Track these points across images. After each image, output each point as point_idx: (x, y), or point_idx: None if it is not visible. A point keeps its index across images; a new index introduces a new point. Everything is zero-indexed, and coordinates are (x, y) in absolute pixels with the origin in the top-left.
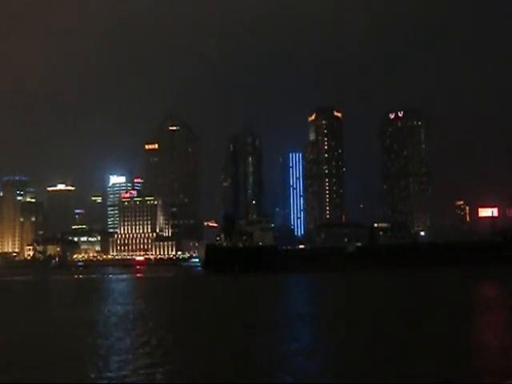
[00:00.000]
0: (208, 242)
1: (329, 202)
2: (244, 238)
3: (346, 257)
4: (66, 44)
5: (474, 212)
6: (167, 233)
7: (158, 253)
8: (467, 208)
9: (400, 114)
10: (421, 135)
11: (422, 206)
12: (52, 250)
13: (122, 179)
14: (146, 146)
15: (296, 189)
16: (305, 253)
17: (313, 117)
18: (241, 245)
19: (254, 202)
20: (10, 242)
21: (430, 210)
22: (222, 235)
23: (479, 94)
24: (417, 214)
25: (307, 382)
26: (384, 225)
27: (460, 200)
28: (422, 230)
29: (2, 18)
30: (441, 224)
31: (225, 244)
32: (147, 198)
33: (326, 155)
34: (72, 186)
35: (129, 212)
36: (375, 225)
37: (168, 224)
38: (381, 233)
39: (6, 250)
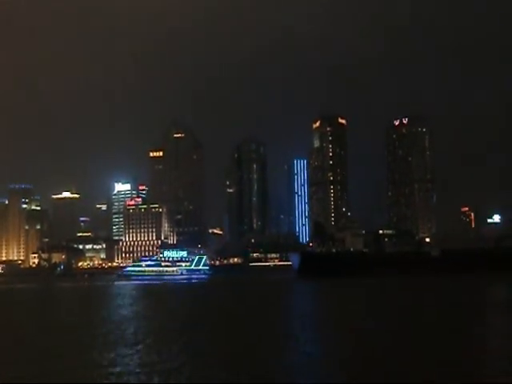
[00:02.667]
0: (303, 250)
1: (333, 208)
2: (335, 243)
3: (431, 261)
4: (71, 55)
5: (480, 218)
6: (172, 240)
7: None
8: (472, 214)
9: (405, 121)
10: (425, 142)
11: (426, 213)
12: (57, 257)
13: (127, 187)
14: (151, 154)
15: (301, 195)
16: (392, 257)
17: (317, 124)
18: (334, 250)
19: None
20: (16, 250)
21: (434, 216)
22: (314, 241)
23: (484, 101)
24: (422, 221)
25: (313, 382)
26: (389, 231)
27: (465, 206)
28: (426, 237)
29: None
30: (446, 230)
31: (318, 250)
32: (152, 206)
33: (331, 162)
34: (77, 193)
35: (134, 219)
36: (380, 231)
37: (173, 231)
38: (386, 239)
39: (11, 258)
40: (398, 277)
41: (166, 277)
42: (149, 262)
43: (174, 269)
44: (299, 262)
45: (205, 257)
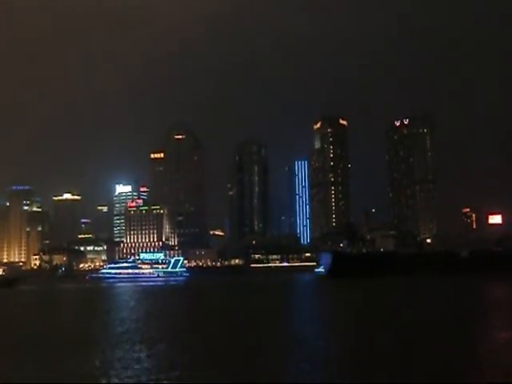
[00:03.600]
0: (334, 249)
1: (335, 209)
2: (366, 244)
3: (460, 261)
4: (73, 57)
5: (481, 219)
6: (173, 241)
7: None
8: (474, 215)
9: (406, 122)
10: (427, 142)
11: (428, 214)
12: (58, 259)
13: (128, 188)
14: (152, 155)
15: (302, 197)
16: (421, 258)
17: (318, 125)
18: (364, 250)
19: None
20: (17, 252)
21: (436, 217)
22: (345, 242)
23: (485, 101)
24: (423, 222)
25: (310, 382)
26: (391, 232)
27: (466, 207)
28: (428, 238)
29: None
30: (447, 231)
31: (349, 250)
32: (153, 207)
33: (332, 163)
34: (78, 195)
35: (135, 221)
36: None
37: (174, 233)
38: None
39: (12, 260)
40: (429, 277)
41: (141, 279)
42: (125, 264)
43: (151, 271)
44: (331, 262)
45: (181, 259)
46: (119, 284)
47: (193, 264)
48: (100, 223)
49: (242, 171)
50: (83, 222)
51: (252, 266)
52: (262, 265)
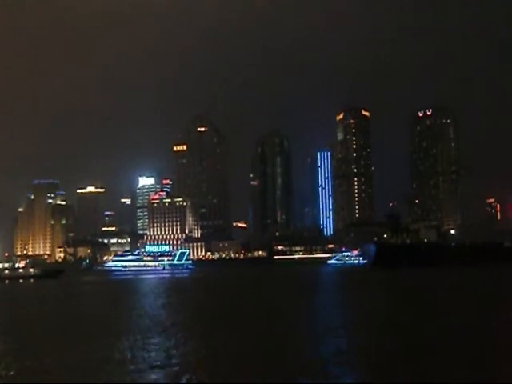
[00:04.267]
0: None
1: (358, 201)
2: (409, 234)
3: (504, 251)
4: (94, 51)
5: (505, 209)
6: (196, 234)
7: None
8: (498, 205)
9: (429, 112)
10: (450, 133)
11: (451, 205)
12: (82, 252)
13: (151, 181)
14: (175, 148)
15: (325, 188)
16: (466, 248)
17: (341, 116)
18: (408, 241)
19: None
20: (42, 245)
21: (460, 208)
22: (389, 233)
23: (510, 90)
24: (447, 213)
25: (319, 382)
26: (434, 223)
27: (491, 197)
28: (452, 229)
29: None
30: (471, 222)
31: (392, 241)
32: (176, 200)
33: (355, 154)
34: (102, 188)
35: (158, 213)
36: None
37: (197, 225)
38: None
39: (37, 253)
40: (474, 266)
41: (147, 272)
42: (131, 257)
43: (156, 263)
44: (375, 252)
45: (187, 251)
46: (144, 276)
47: (216, 256)
48: (123, 216)
49: (264, 163)
50: (107, 215)
51: (275, 257)
52: (285, 256)
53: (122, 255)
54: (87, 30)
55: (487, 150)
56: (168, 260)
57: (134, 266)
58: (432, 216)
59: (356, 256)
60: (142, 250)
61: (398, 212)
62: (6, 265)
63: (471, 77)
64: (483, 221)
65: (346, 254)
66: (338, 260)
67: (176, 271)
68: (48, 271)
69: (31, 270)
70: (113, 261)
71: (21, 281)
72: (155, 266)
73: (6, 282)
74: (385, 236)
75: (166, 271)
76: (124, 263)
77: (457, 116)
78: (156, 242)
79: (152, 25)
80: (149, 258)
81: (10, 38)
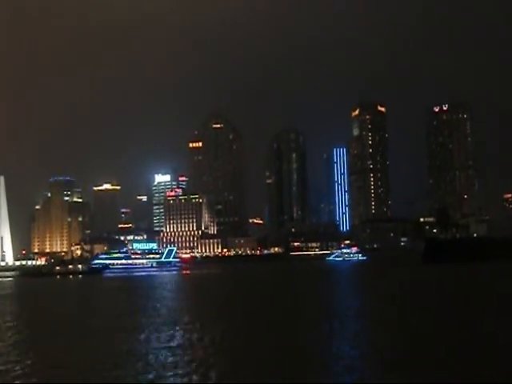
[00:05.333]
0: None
1: (374, 196)
2: (459, 229)
3: None
4: (110, 50)
5: None
6: (212, 230)
7: (203, 250)
8: None
9: (445, 107)
10: (466, 128)
11: (468, 200)
12: (99, 249)
13: (167, 178)
14: (190, 145)
15: (341, 184)
16: None
17: (356, 112)
18: (458, 236)
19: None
20: (59, 242)
21: (476, 203)
22: (438, 228)
23: None
24: (464, 208)
25: (337, 382)
26: (430, 219)
27: (508, 193)
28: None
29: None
30: (489, 217)
31: (442, 236)
32: (192, 196)
33: (371, 150)
34: (118, 185)
35: (174, 210)
36: (421, 219)
37: (213, 221)
38: (427, 227)
39: (54, 250)
40: None
41: (134, 269)
42: (118, 255)
43: (144, 261)
44: (424, 248)
45: (174, 249)
46: (160, 273)
47: (232, 253)
48: (140, 213)
49: (280, 159)
50: (123, 212)
51: (291, 253)
52: (301, 252)
53: (109, 252)
54: (103, 30)
55: (504, 145)
56: (155, 258)
57: (121, 263)
58: (482, 210)
59: (355, 253)
60: (130, 247)
61: (445, 207)
62: (23, 262)
63: (487, 72)
64: (501, 215)
65: (345, 250)
66: (337, 257)
67: (164, 269)
68: (93, 268)
69: (79, 266)
70: (100, 258)
71: (70, 276)
72: (142, 263)
73: (58, 277)
74: (434, 231)
75: (154, 269)
76: (111, 261)
77: (473, 111)
78: (172, 239)
79: (167, 24)
80: (136, 256)
81: (34, 35)
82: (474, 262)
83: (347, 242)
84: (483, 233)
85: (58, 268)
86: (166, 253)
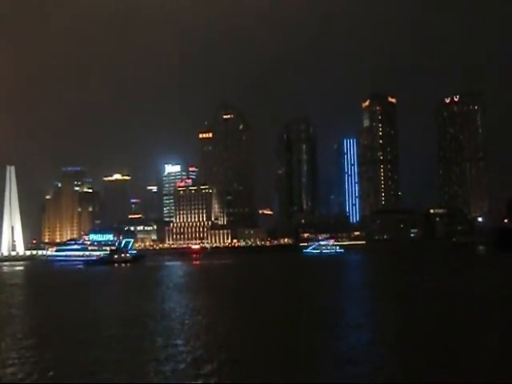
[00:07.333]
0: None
1: (384, 188)
2: None
3: None
4: (121, 41)
5: None
6: (222, 221)
7: (213, 241)
8: None
9: (456, 99)
10: (477, 119)
11: (478, 192)
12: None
13: (177, 168)
14: (200, 135)
15: (351, 175)
16: None
17: (367, 103)
18: None
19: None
20: (69, 232)
21: (487, 195)
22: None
23: None
24: (473, 200)
25: (337, 382)
26: (440, 211)
27: None
28: (479, 216)
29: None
30: (499, 210)
31: None
32: (202, 187)
33: (381, 141)
34: (128, 175)
35: (184, 201)
36: (431, 211)
37: (223, 212)
38: (437, 219)
39: (64, 240)
40: None
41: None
42: (75, 246)
43: (100, 253)
44: (496, 237)
45: (131, 240)
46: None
47: (242, 243)
48: (149, 203)
49: (290, 150)
50: (133, 202)
51: (301, 244)
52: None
53: (66, 244)
54: (118, 21)
55: None
56: (112, 249)
57: (77, 255)
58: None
59: (332, 245)
60: (86, 237)
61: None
62: (34, 252)
63: (499, 62)
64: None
65: (323, 242)
66: (314, 249)
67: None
68: (135, 257)
69: (124, 255)
70: (56, 250)
71: (122, 265)
72: (98, 255)
73: (116, 265)
74: (505, 221)
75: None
76: (68, 253)
77: (484, 102)
78: (182, 230)
79: (177, 18)
80: (93, 247)
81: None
82: None
83: (357, 233)
84: None
85: (115, 257)
86: (123, 244)
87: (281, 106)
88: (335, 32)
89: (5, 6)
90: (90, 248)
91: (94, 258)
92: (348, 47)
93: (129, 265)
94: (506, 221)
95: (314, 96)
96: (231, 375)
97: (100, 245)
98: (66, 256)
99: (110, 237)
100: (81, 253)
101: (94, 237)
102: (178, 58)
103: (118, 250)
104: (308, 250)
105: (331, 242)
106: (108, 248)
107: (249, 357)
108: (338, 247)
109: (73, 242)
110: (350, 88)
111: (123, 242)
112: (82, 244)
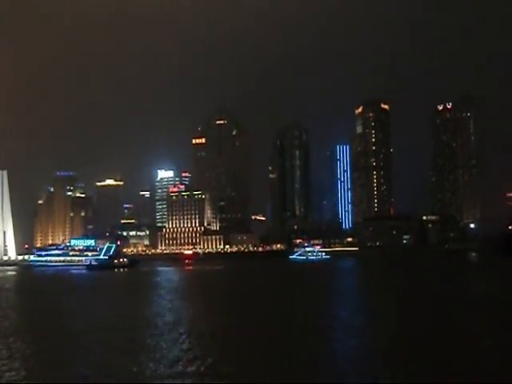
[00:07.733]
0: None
1: (377, 194)
2: None
3: None
4: (116, 45)
5: None
6: (215, 227)
7: (205, 247)
8: None
9: (449, 106)
10: (470, 126)
11: (471, 199)
12: (102, 244)
13: (170, 174)
14: (194, 141)
15: (343, 181)
16: None
17: (360, 109)
18: None
19: None
20: (61, 237)
21: (479, 202)
22: None
23: None
24: (466, 207)
25: (336, 382)
26: (433, 217)
27: (511, 192)
28: (471, 223)
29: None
30: (491, 217)
31: None
32: (195, 193)
33: (374, 148)
34: (120, 180)
35: (177, 206)
36: (424, 217)
37: (216, 218)
38: (430, 225)
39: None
40: None
41: (72, 267)
42: (56, 251)
43: (82, 258)
44: (503, 242)
45: (113, 246)
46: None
47: (234, 249)
48: (142, 208)
49: (283, 156)
50: (126, 208)
51: (294, 251)
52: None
53: (46, 249)
54: (118, 21)
55: (508, 143)
56: (93, 255)
57: (58, 260)
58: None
59: (318, 251)
60: (67, 243)
61: None
62: (26, 257)
63: (492, 71)
64: (503, 215)
65: (308, 249)
66: (300, 255)
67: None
68: (132, 261)
69: (122, 260)
70: (36, 255)
71: (121, 269)
72: (79, 261)
73: (116, 270)
74: (510, 228)
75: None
76: (48, 258)
77: (477, 110)
78: (174, 235)
79: (177, 18)
80: (74, 253)
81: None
82: None
83: (350, 239)
84: None
85: None
86: (105, 249)
87: (274, 113)
88: (335, 32)
89: (5, 5)
90: (71, 253)
91: (95, 263)
92: (348, 47)
93: (126, 269)
94: (510, 228)
95: (307, 103)
96: (226, 375)
97: (81, 250)
98: (45, 261)
99: (91, 242)
100: (62, 258)
101: (75, 242)
102: (178, 58)
103: (108, 256)
104: (294, 256)
105: (317, 248)
106: (89, 253)
107: (244, 358)
108: (323, 253)
109: (54, 247)
110: (343, 94)
111: (105, 247)
112: (63, 249)
